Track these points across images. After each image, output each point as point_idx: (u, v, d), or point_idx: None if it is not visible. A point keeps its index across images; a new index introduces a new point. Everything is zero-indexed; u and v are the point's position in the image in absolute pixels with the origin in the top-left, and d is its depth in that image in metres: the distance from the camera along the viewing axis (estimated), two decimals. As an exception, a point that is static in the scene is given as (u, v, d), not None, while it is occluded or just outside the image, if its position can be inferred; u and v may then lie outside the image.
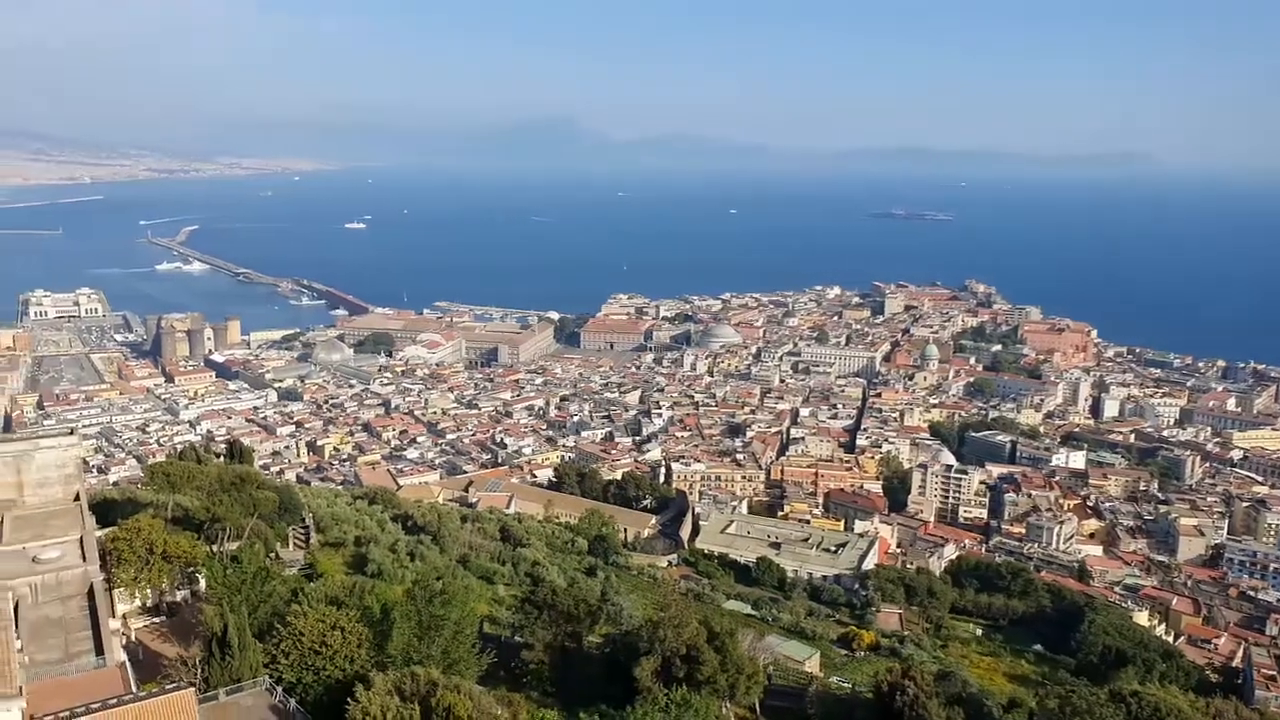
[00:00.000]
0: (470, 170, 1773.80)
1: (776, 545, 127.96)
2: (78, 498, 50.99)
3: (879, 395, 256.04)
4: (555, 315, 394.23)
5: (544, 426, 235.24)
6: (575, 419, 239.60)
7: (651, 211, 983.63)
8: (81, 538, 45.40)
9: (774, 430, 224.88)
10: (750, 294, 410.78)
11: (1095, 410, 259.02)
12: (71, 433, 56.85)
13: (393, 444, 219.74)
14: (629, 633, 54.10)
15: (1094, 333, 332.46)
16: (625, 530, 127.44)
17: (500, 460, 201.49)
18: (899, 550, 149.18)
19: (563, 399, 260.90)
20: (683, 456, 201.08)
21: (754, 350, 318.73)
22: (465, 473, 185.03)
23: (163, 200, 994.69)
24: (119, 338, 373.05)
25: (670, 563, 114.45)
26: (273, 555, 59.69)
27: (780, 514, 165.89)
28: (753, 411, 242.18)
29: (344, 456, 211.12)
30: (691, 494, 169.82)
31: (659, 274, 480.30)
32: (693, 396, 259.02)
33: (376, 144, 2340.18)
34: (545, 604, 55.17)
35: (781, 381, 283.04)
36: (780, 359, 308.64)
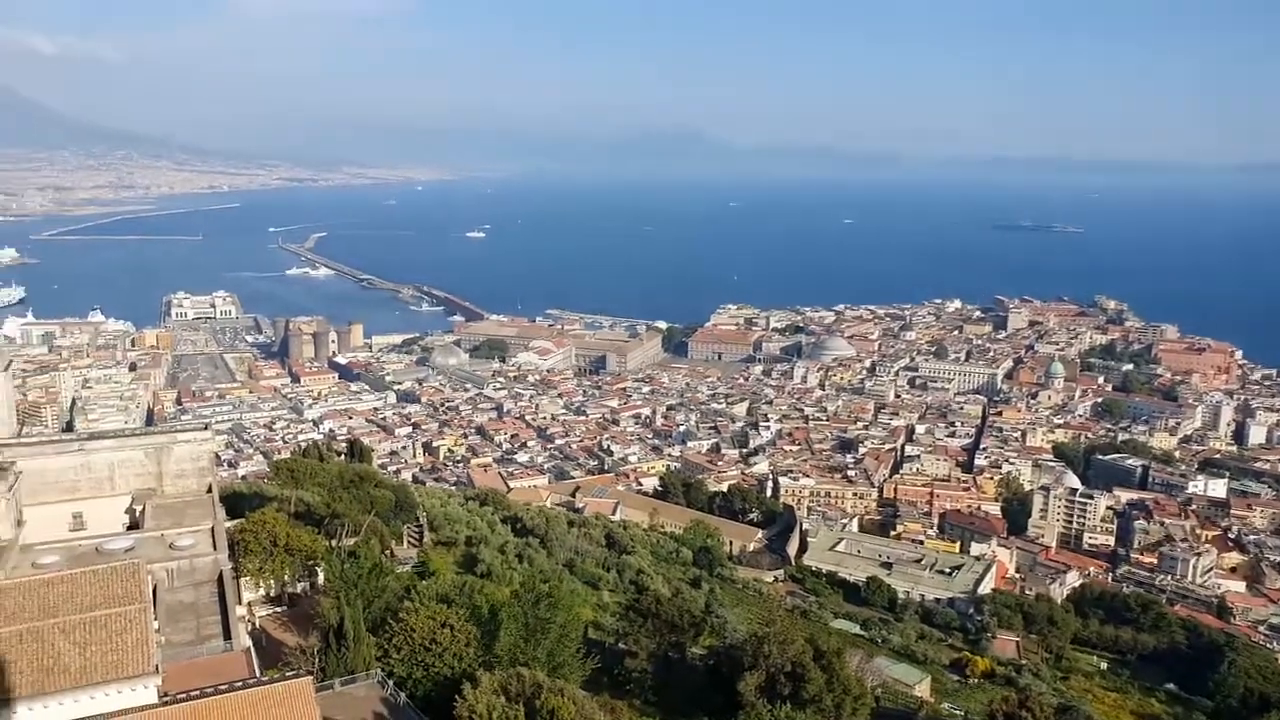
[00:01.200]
0: (588, 178, 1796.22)
1: (888, 565, 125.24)
2: (210, 489, 53.53)
3: (1000, 413, 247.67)
4: (663, 324, 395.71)
5: (650, 435, 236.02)
6: (681, 429, 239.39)
7: (765, 220, 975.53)
8: (213, 528, 47.62)
9: (888, 447, 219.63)
10: (865, 306, 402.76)
11: (1239, 436, 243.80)
12: (206, 428, 59.19)
13: (504, 447, 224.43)
14: (733, 646, 53.51)
15: (1238, 353, 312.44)
16: (730, 543, 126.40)
17: (606, 467, 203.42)
18: (1017, 575, 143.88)
19: (669, 408, 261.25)
20: (791, 470, 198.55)
21: (868, 364, 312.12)
22: (573, 478, 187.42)
23: (293, 208, 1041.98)
24: (250, 339, 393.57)
25: (776, 578, 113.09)
26: (388, 552, 61.32)
27: (892, 533, 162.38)
28: (866, 427, 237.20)
29: (457, 458, 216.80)
30: (800, 509, 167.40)
31: (770, 284, 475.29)
32: (802, 410, 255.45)
33: (494, 152, 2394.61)
34: (649, 612, 55.01)
35: (897, 397, 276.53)
36: (896, 374, 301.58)
